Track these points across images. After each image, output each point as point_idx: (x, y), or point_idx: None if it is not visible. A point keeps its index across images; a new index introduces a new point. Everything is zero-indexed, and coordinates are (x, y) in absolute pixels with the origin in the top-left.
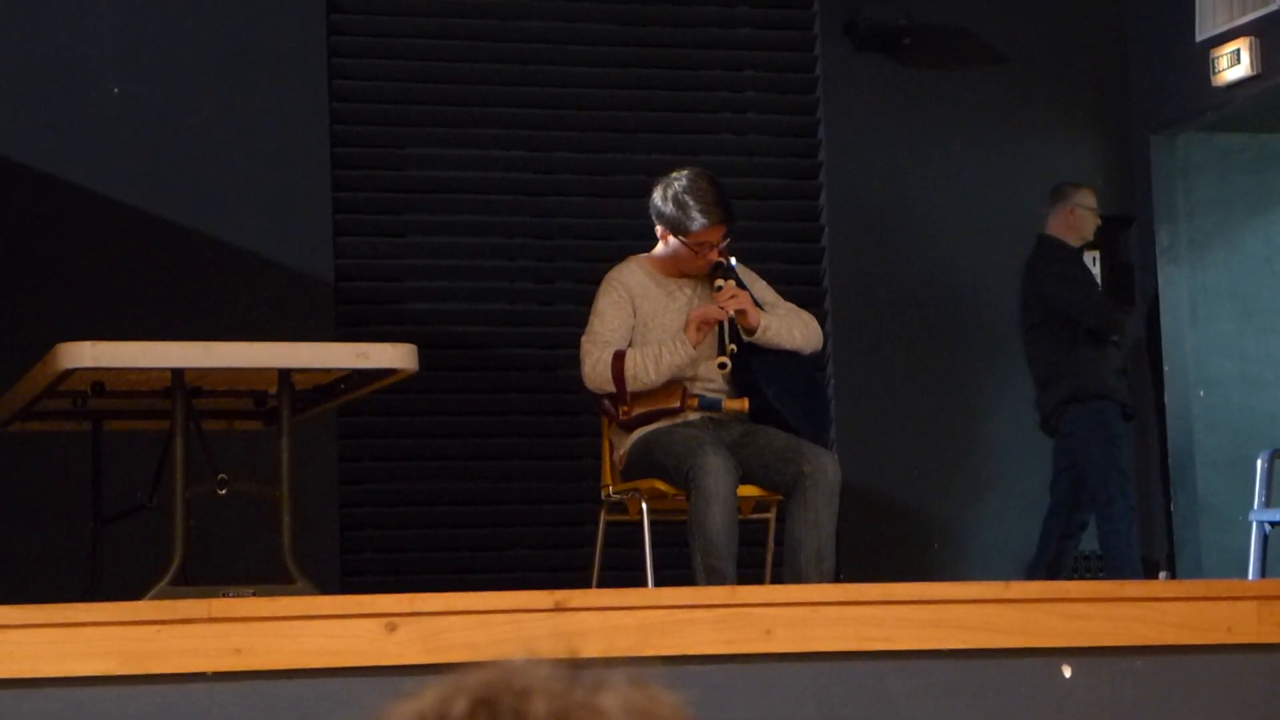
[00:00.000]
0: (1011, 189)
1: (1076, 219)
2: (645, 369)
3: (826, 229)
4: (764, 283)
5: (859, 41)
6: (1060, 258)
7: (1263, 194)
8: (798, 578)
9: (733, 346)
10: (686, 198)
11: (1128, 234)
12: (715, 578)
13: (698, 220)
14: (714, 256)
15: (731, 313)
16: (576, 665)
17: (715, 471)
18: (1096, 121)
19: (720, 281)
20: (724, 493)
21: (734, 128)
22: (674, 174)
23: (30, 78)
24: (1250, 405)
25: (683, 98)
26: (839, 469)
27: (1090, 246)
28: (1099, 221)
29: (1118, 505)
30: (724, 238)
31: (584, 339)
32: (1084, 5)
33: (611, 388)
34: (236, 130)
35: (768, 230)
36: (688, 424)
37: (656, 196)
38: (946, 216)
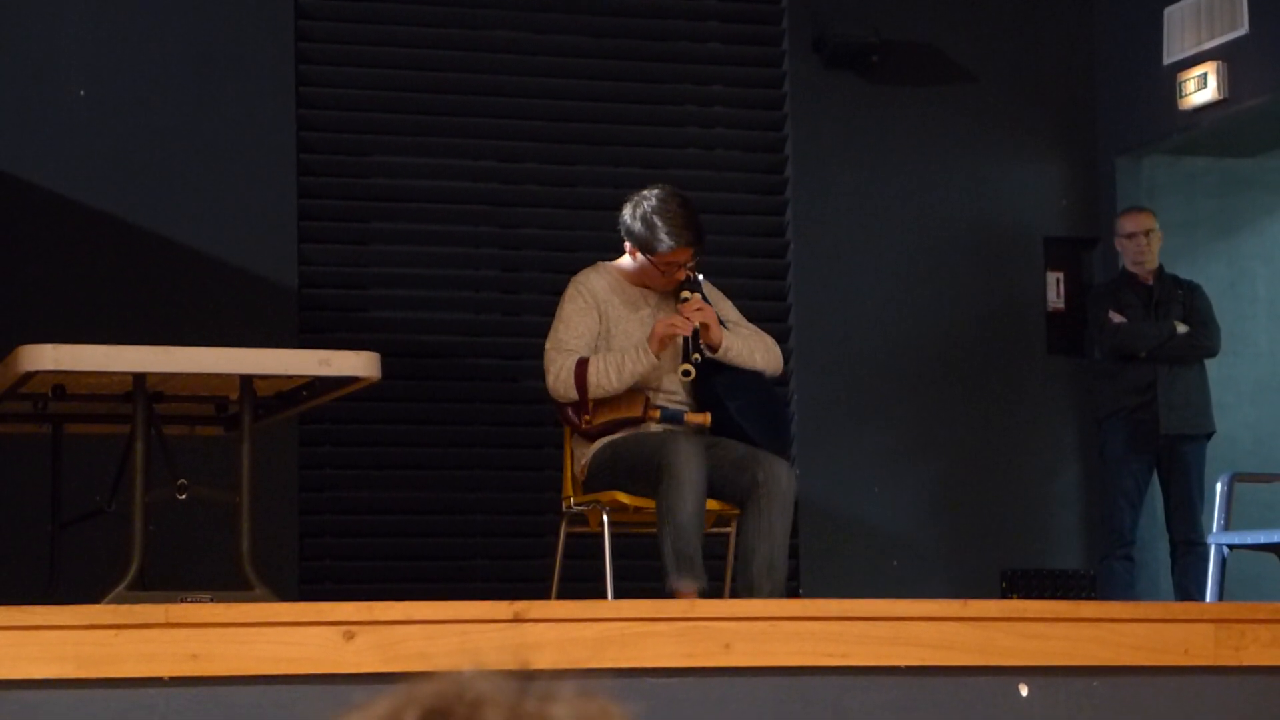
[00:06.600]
0: (977, 208)
1: (1120, 247)
2: (607, 376)
3: (792, 244)
4: (730, 303)
5: (827, 58)
6: (1098, 285)
7: (1227, 217)
8: (749, 586)
9: (697, 355)
10: (655, 218)
11: (1092, 255)
12: (685, 564)
13: (665, 242)
14: (681, 275)
15: (696, 325)
16: (530, 676)
17: (687, 457)
18: (1063, 142)
19: (686, 294)
20: (695, 478)
21: (701, 142)
22: (644, 191)
23: None
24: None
25: (651, 111)
26: (794, 479)
27: (1054, 268)
28: (1138, 244)
29: (1103, 529)
30: (693, 257)
31: (548, 346)
32: (1052, 26)
33: (575, 396)
34: (202, 135)
35: (733, 245)
36: (650, 434)
37: (626, 214)
38: (911, 234)
